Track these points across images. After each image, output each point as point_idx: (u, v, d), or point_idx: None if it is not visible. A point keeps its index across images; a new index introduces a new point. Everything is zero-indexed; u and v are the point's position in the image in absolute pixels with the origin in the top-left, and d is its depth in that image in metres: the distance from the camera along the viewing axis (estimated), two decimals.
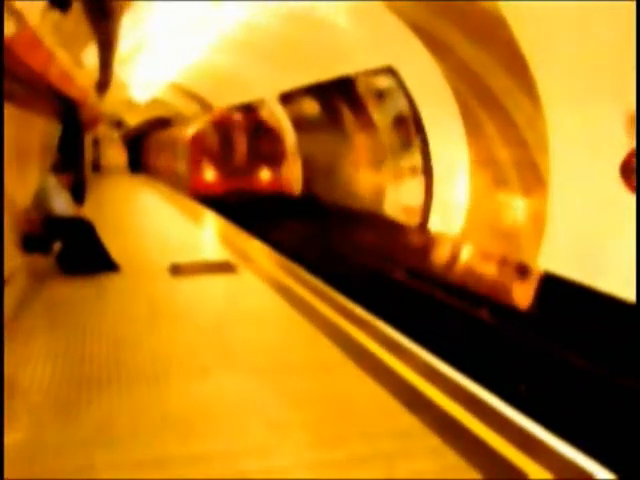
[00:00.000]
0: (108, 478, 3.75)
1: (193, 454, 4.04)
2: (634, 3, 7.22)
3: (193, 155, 23.29)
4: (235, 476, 3.80)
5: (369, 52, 14.64)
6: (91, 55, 13.71)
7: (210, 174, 22.80)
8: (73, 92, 11.40)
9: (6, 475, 3.64)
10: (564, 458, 4.00)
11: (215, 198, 21.66)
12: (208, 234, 13.61)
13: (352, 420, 4.57)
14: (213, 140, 23.19)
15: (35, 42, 5.81)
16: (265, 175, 22.98)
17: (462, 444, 4.21)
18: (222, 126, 23.37)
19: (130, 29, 15.07)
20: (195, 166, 23.10)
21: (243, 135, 23.16)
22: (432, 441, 4.27)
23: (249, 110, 24.62)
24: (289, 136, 22.90)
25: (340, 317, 7.15)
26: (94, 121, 23.07)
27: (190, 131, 24.53)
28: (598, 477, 3.75)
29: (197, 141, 23.34)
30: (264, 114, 23.65)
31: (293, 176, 22.98)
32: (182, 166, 25.29)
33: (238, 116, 23.83)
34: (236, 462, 3.96)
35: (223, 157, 22.99)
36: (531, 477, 3.74)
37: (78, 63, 11.75)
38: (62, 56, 8.31)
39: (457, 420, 4.56)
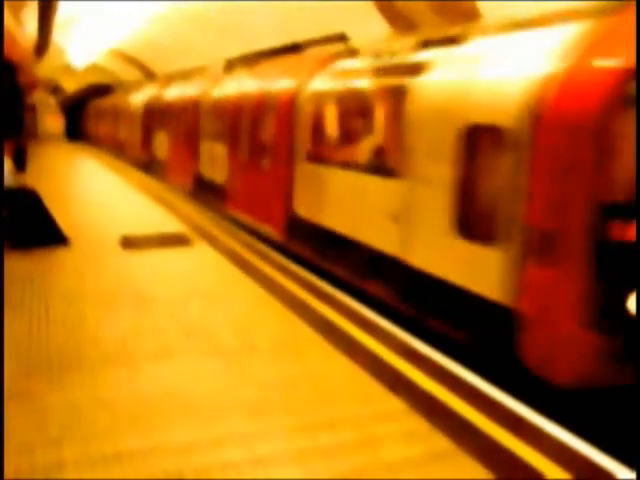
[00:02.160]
0: (82, 476, 3.45)
1: (173, 444, 3.76)
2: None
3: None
4: (221, 466, 3.55)
5: (321, 19, 14.26)
6: (30, 16, 12.95)
7: None
8: (14, 53, 10.71)
9: None
10: (582, 457, 3.81)
11: None
12: (156, 204, 13.12)
13: (334, 403, 4.37)
14: None
15: None
16: None
17: (449, 427, 4.06)
18: None
19: None
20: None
21: None
22: (419, 424, 4.10)
23: None
24: None
25: (305, 292, 6.93)
26: (32, 86, 21.70)
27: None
28: (619, 477, 3.57)
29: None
30: None
31: None
32: None
33: None
34: (220, 451, 3.71)
35: None
36: (547, 477, 3.58)
37: (19, 22, 11.05)
38: (6, 14, 7.70)
39: (443, 403, 4.40)
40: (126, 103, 26.16)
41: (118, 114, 28.11)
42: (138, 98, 23.41)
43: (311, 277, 7.61)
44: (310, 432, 3.97)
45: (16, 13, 10.45)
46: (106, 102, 33.37)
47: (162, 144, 18.81)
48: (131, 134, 24.12)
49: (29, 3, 11.69)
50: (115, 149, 28.28)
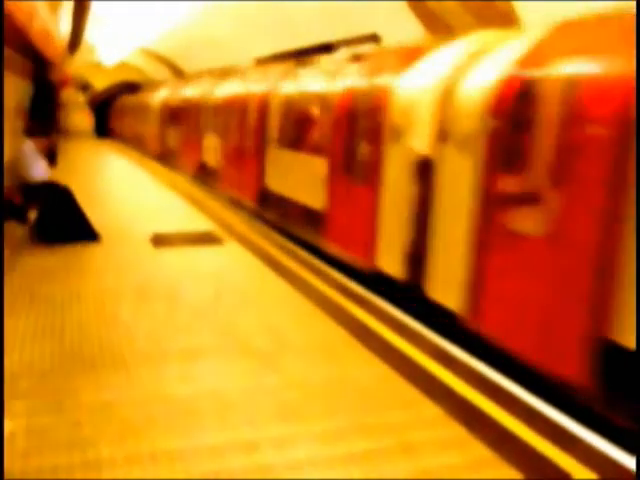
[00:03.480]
0: (114, 475, 3.43)
1: (206, 446, 3.73)
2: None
3: None
4: (255, 470, 3.51)
5: (353, 19, 14.21)
6: (65, 13, 13.07)
7: None
8: (50, 51, 10.81)
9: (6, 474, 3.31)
10: (606, 456, 3.76)
11: None
12: (185, 201, 13.16)
13: (369, 408, 4.31)
14: None
15: None
16: None
17: (489, 435, 3.99)
18: None
19: None
20: None
21: None
22: (458, 431, 4.03)
23: None
24: None
25: (337, 293, 6.87)
26: (64, 82, 21.80)
27: None
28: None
29: None
30: None
31: None
32: None
33: None
34: (253, 454, 3.66)
35: None
36: (575, 477, 3.51)
37: (55, 20, 11.13)
38: (43, 11, 7.78)
39: (481, 410, 4.32)
40: (187, 98, 19.68)
41: (170, 113, 22.06)
42: (211, 91, 16.81)
43: (343, 279, 7.55)
44: (346, 437, 3.91)
45: (53, 11, 10.55)
46: (146, 98, 29.16)
47: (285, 170, 11.22)
48: (196, 144, 17.66)
49: (65, 2, 11.79)
50: (160, 157, 23.41)
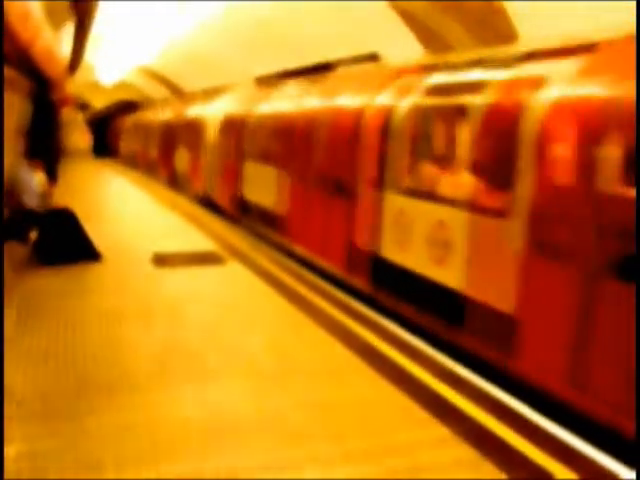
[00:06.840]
0: None
1: (218, 471, 3.69)
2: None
3: None
4: None
5: (353, 39, 14.27)
6: (67, 33, 13.10)
7: None
8: (52, 70, 10.81)
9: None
10: (586, 456, 3.94)
11: None
12: (187, 221, 13.13)
13: (376, 429, 4.27)
14: None
15: (26, 12, 5.28)
16: None
17: (498, 455, 3.95)
18: None
19: (101, 10, 14.42)
20: None
21: None
22: (467, 452, 3.99)
23: None
24: None
25: (342, 314, 6.84)
26: (64, 102, 21.81)
27: None
28: (622, 477, 3.73)
29: None
30: None
31: None
32: None
33: None
34: (262, 477, 3.62)
35: None
36: (557, 477, 3.62)
37: (58, 40, 11.16)
38: (47, 31, 7.79)
39: (490, 430, 4.30)
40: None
41: (249, 137, 14.27)
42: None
43: (348, 299, 7.53)
44: (353, 459, 3.88)
45: (56, 30, 10.57)
46: (182, 111, 23.21)
47: None
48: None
49: (67, 21, 11.79)
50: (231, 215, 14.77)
